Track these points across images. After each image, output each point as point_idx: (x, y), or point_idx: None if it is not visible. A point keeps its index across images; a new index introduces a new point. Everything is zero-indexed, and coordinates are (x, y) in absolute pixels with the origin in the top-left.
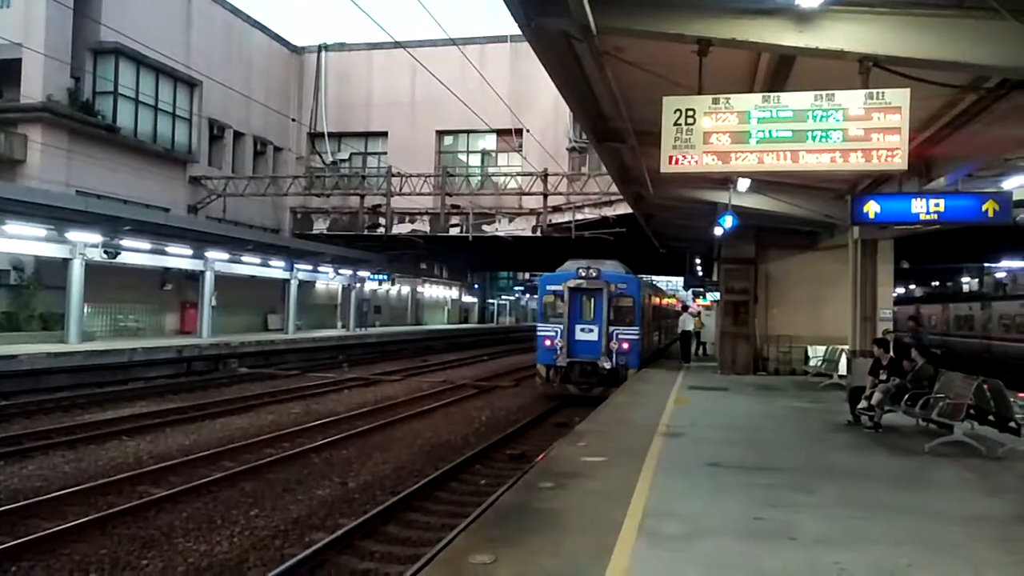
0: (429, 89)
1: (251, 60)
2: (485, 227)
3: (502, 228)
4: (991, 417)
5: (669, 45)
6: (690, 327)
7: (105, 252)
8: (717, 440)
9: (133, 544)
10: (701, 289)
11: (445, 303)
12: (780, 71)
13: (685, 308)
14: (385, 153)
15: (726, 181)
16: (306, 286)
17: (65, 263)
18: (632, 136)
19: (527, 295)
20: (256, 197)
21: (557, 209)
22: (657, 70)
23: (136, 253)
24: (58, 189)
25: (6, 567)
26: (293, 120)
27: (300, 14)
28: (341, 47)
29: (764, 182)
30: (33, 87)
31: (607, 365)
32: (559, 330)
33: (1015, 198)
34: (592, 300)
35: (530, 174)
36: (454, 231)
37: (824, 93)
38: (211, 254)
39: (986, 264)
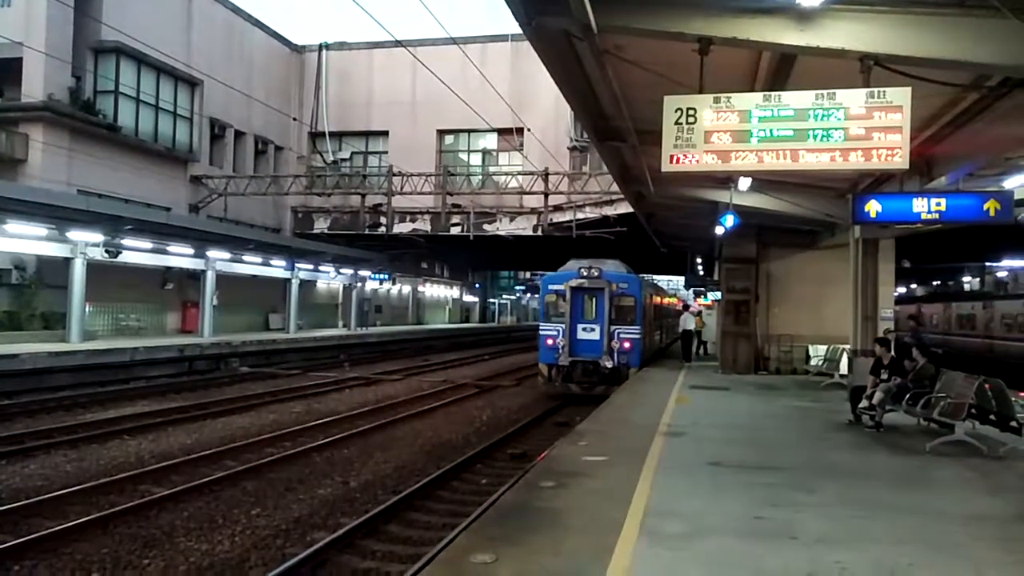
0: (430, 88)
1: (252, 59)
2: (486, 226)
3: (503, 227)
4: (992, 416)
5: (670, 44)
6: (691, 326)
7: (106, 251)
8: (718, 439)
9: (135, 543)
10: (702, 288)
11: (446, 302)
12: (781, 70)
13: (686, 307)
14: (386, 152)
15: (727, 180)
16: (307, 285)
17: (66, 262)
18: (633, 135)
19: (528, 294)
20: (257, 196)
21: (558, 208)
22: (658, 69)
23: (137, 252)
24: (59, 188)
25: (9, 566)
26: (294, 119)
27: (301, 13)
28: (342, 46)
29: (765, 181)
30: (34, 86)
31: (609, 364)
32: (561, 329)
33: (1016, 197)
34: (594, 299)
35: (531, 173)
36: (455, 230)
37: (825, 92)
38: (212, 253)
39: (987, 263)
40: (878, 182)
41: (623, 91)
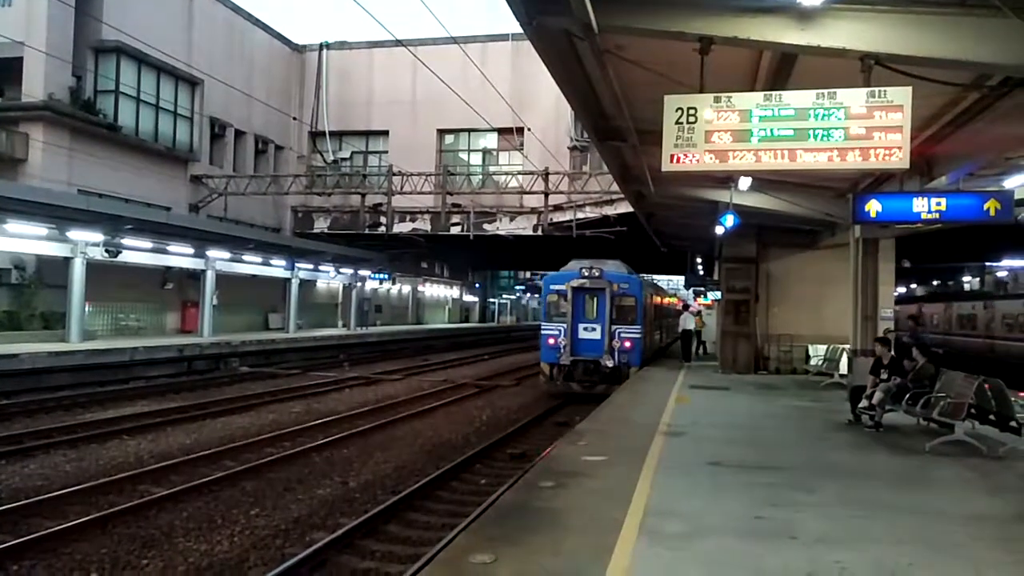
0: (430, 87)
1: (252, 59)
2: (486, 226)
3: (503, 227)
4: (992, 416)
5: (670, 43)
6: (691, 326)
7: (106, 251)
8: (718, 439)
9: (134, 543)
10: (702, 288)
11: (446, 302)
12: (782, 69)
13: (686, 307)
14: (386, 152)
15: (727, 180)
16: (307, 285)
17: (66, 262)
18: (633, 135)
19: (528, 294)
20: (257, 196)
21: (558, 208)
22: (658, 68)
23: (137, 252)
24: (59, 188)
25: (8, 566)
26: (294, 119)
27: (301, 12)
28: (342, 45)
29: (765, 181)
30: (35, 86)
31: (609, 363)
32: (562, 329)
33: (1017, 197)
34: (595, 299)
35: (531, 173)
36: (455, 230)
37: (826, 91)
38: (212, 253)
39: (987, 263)
40: (878, 182)
41: (624, 91)
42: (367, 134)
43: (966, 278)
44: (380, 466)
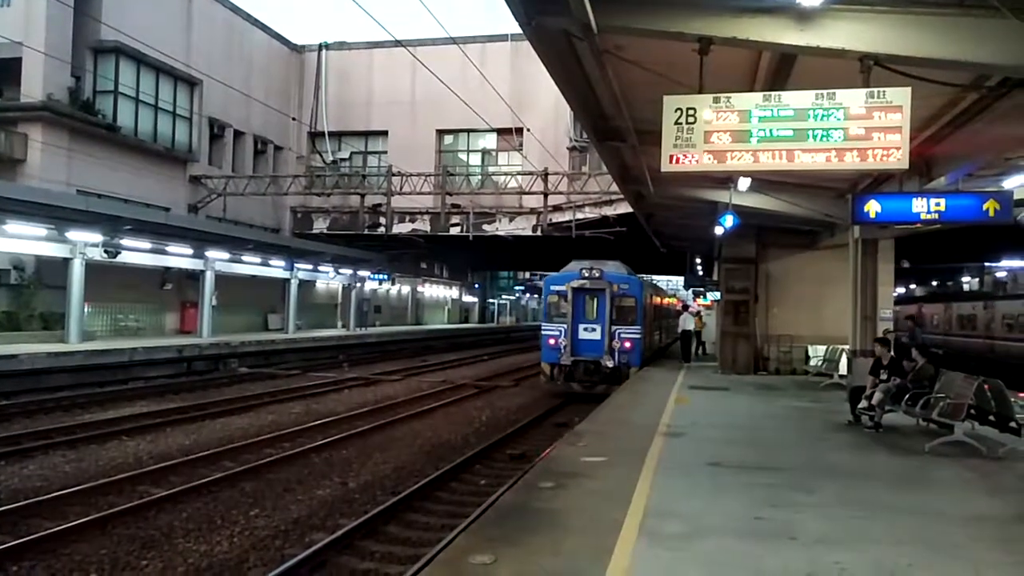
0: (429, 88)
1: (251, 59)
2: (485, 226)
3: (502, 227)
4: (992, 417)
5: (670, 44)
6: (690, 327)
7: (105, 251)
8: (718, 440)
9: (133, 544)
10: (701, 288)
11: (445, 303)
12: (781, 70)
13: (685, 307)
14: (385, 152)
15: (727, 180)
16: (306, 286)
17: (65, 262)
18: (633, 135)
19: (527, 295)
20: (256, 196)
21: (557, 208)
22: (658, 69)
23: (136, 252)
24: (58, 188)
25: (7, 567)
26: (293, 119)
27: (300, 13)
28: (341, 46)
29: (764, 181)
30: (33, 86)
31: (610, 363)
32: (563, 329)
33: (1016, 197)
34: (595, 300)
35: (530, 173)
36: (454, 230)
37: (825, 92)
38: (211, 253)
39: (986, 263)
40: (877, 182)
41: (623, 91)
42: (366, 134)
43: (965, 278)
44: (379, 467)
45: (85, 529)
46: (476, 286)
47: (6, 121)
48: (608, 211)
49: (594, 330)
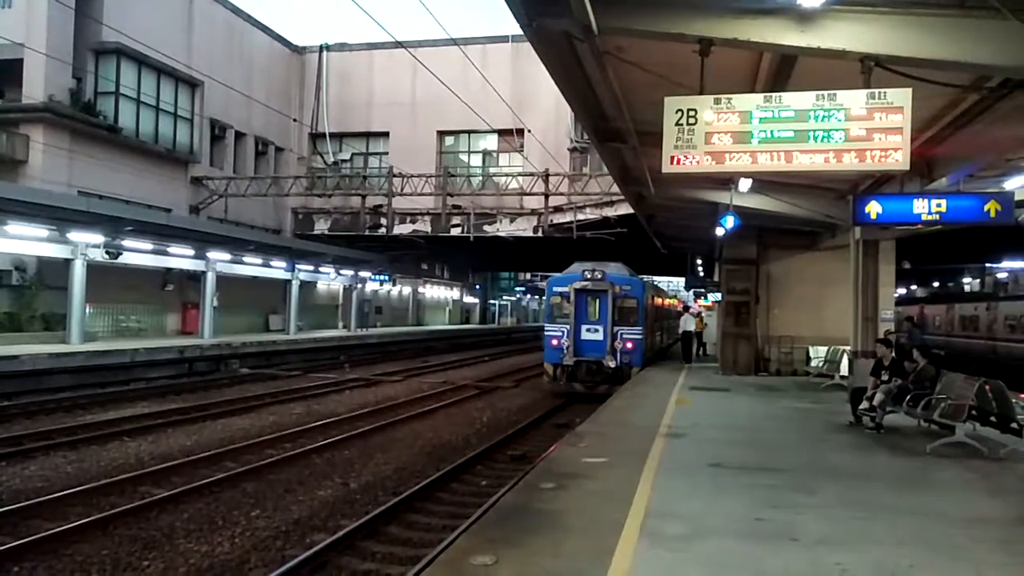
0: (430, 89)
1: (252, 60)
2: (486, 227)
3: (503, 228)
4: (993, 418)
5: (670, 45)
6: (691, 328)
7: (107, 252)
8: (718, 441)
9: (134, 545)
10: (702, 289)
11: (446, 304)
12: (782, 71)
13: (686, 309)
14: (386, 153)
15: (728, 181)
16: (307, 287)
17: (67, 263)
18: (633, 136)
19: (528, 296)
20: (257, 197)
21: (558, 209)
22: (658, 70)
23: (138, 253)
24: (60, 189)
25: (8, 567)
26: (294, 120)
27: (301, 14)
28: (342, 47)
29: (765, 182)
30: (35, 87)
31: (612, 364)
32: (566, 330)
33: (1017, 198)
34: (597, 301)
35: (531, 174)
36: (455, 231)
37: (826, 93)
38: (213, 255)
39: (988, 264)
40: (878, 183)
41: (624, 92)
42: (367, 135)
43: (966, 279)
44: (380, 467)
45: (86, 530)
46: (477, 287)
47: (7, 122)
48: (609, 212)
49: (596, 331)
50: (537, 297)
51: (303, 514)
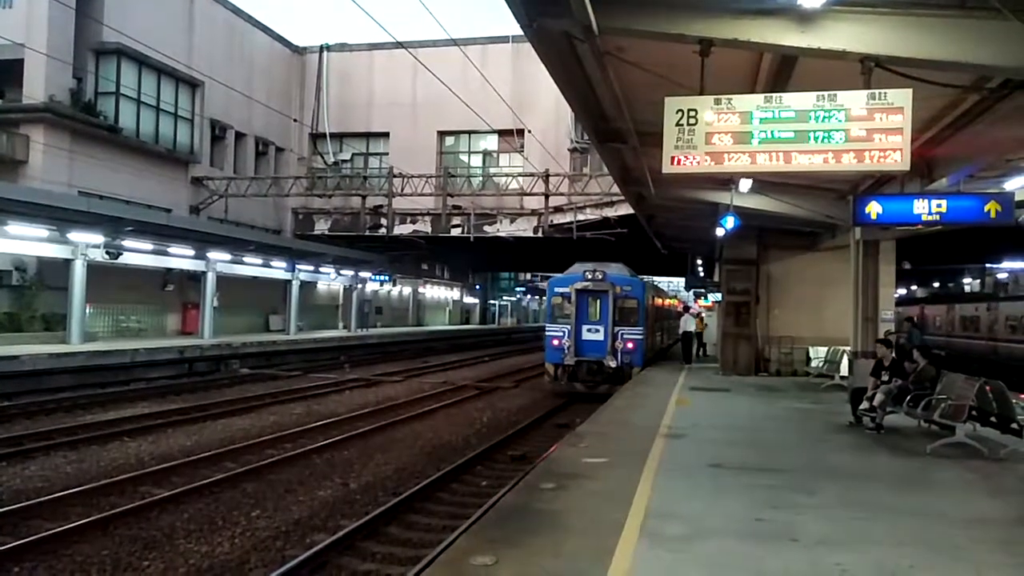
0: (431, 89)
1: (253, 60)
2: (486, 228)
3: (503, 229)
4: (993, 419)
5: (671, 45)
6: (691, 328)
7: (107, 253)
8: (719, 441)
9: (135, 545)
10: (702, 290)
11: (446, 304)
12: (782, 71)
13: (686, 309)
14: (387, 154)
15: (728, 181)
16: (308, 287)
17: (67, 264)
18: (634, 136)
19: (528, 296)
20: (258, 198)
21: (558, 210)
22: (659, 70)
23: (138, 254)
24: (60, 190)
25: (9, 568)
26: (295, 120)
27: (302, 14)
28: (343, 47)
29: (765, 183)
30: (35, 87)
31: (612, 364)
32: (567, 330)
33: (1017, 199)
34: (598, 301)
35: (531, 175)
36: (455, 232)
37: (826, 93)
38: (213, 255)
39: (988, 265)
40: (879, 183)
41: (624, 92)
42: (367, 136)
43: (966, 280)
44: (381, 468)
45: (87, 530)
46: (477, 287)
47: (8, 122)
48: (609, 212)
49: (597, 331)
50: (537, 298)
51: (303, 514)
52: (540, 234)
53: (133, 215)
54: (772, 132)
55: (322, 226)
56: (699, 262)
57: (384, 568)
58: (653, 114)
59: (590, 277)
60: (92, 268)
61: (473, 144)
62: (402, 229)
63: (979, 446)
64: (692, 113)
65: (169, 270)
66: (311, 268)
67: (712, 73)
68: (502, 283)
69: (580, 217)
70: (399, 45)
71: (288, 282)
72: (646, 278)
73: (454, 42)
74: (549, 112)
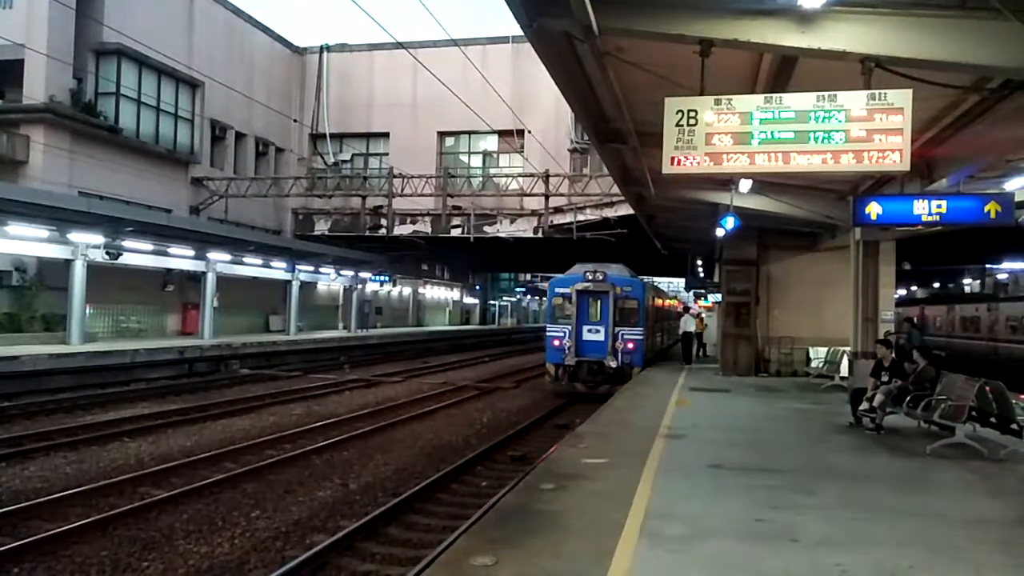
0: (431, 90)
1: (253, 61)
2: (486, 228)
3: (503, 229)
4: (993, 419)
5: (671, 46)
6: (691, 328)
7: (107, 253)
8: (718, 442)
9: (134, 545)
10: (702, 290)
11: (446, 304)
12: (782, 72)
13: (686, 309)
14: (387, 154)
15: (728, 182)
16: (308, 287)
17: (67, 264)
18: (634, 137)
19: (528, 296)
20: (258, 198)
21: (558, 210)
22: (659, 71)
23: (138, 254)
24: (60, 190)
25: (8, 568)
26: (295, 121)
27: (302, 14)
28: (343, 48)
29: (765, 183)
30: (35, 88)
31: (613, 364)
32: (567, 331)
33: (1017, 199)
34: (599, 302)
35: (531, 175)
36: (455, 232)
37: (826, 94)
38: (213, 255)
39: (988, 265)
40: (879, 184)
41: (624, 93)
42: (368, 136)
43: (967, 280)
44: (380, 468)
45: (86, 530)
46: (477, 288)
47: (8, 123)
48: (609, 213)
49: (598, 331)
50: (537, 298)
51: (303, 515)
52: (540, 234)
53: (133, 215)
54: (772, 133)
55: (322, 226)
56: (699, 263)
57: (384, 569)
58: (653, 114)
59: (591, 278)
60: (92, 268)
61: (473, 144)
62: (402, 229)
63: (979, 447)
64: (692, 113)
65: (169, 270)
66: (311, 268)
67: (712, 73)
68: (502, 283)
69: (580, 217)
70: (399, 45)
71: (288, 282)
72: (646, 279)
73: (454, 42)
74: (549, 112)
